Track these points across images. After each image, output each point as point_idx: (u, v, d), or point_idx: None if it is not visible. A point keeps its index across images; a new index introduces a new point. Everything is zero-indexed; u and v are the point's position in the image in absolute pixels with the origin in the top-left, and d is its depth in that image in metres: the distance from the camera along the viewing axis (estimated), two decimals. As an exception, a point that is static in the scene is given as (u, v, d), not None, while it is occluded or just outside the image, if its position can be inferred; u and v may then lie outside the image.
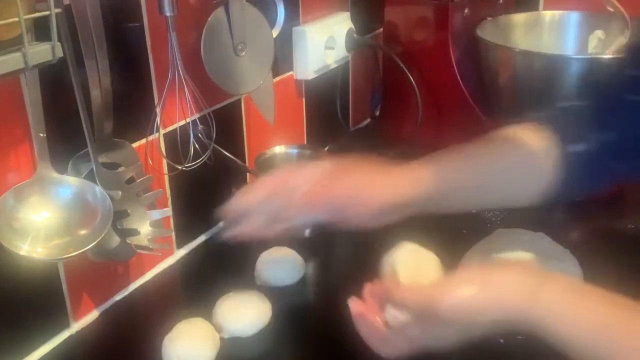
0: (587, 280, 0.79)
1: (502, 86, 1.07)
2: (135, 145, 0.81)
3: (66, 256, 0.66)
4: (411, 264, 0.76)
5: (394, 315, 0.59)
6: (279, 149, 1.02)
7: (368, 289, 0.62)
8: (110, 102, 0.71)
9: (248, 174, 1.06)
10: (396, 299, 0.58)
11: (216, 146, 0.91)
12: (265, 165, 0.99)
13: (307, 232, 0.82)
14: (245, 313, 0.76)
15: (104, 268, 0.82)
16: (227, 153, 0.94)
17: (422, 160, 0.68)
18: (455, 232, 0.94)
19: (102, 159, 0.73)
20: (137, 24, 0.80)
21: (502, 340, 0.73)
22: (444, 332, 0.57)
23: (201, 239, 0.98)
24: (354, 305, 0.61)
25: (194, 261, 0.94)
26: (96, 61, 0.68)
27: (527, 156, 0.66)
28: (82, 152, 0.72)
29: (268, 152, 1.01)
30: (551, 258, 0.80)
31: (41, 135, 0.66)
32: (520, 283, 0.54)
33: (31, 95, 0.64)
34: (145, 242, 0.77)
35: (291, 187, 0.66)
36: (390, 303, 0.59)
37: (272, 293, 0.81)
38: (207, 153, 0.87)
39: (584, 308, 0.52)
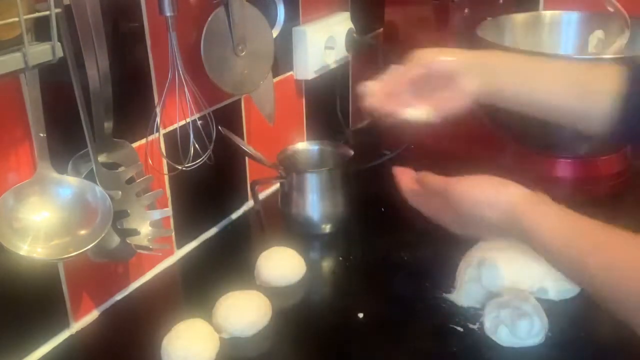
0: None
1: (502, 86, 1.07)
2: (135, 145, 0.81)
3: (66, 256, 0.66)
4: None
5: None
6: (301, 145, 1.03)
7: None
8: (110, 102, 0.71)
9: (247, 174, 1.06)
10: (421, 177, 0.70)
11: (236, 137, 0.92)
12: (287, 162, 0.99)
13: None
14: (245, 313, 0.76)
15: (104, 268, 0.82)
16: (245, 147, 0.95)
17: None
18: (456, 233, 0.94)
19: (102, 159, 0.73)
20: (137, 24, 0.80)
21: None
22: (452, 213, 0.66)
23: (201, 239, 0.98)
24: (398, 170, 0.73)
25: (194, 261, 0.94)
26: (96, 61, 0.68)
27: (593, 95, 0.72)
28: (82, 152, 0.72)
29: (290, 147, 1.02)
30: None
31: (41, 135, 0.66)
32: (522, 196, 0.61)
33: (31, 95, 0.64)
34: (145, 242, 0.77)
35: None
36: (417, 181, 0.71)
37: (272, 293, 0.81)
38: (207, 153, 0.87)
39: (570, 220, 0.59)
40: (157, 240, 0.79)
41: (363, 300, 0.82)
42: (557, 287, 0.79)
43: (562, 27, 1.20)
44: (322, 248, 0.97)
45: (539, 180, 1.06)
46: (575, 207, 0.60)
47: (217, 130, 0.89)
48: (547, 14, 1.22)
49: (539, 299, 0.76)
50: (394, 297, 0.83)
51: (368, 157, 1.18)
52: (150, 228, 0.78)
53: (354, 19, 1.23)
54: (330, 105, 1.29)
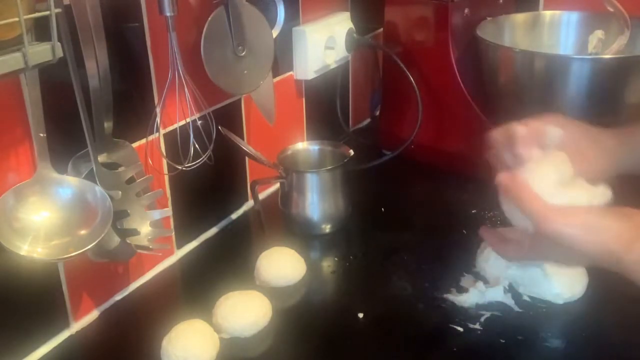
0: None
1: (502, 86, 1.07)
2: (135, 145, 0.81)
3: (66, 256, 0.66)
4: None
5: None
6: (301, 145, 1.04)
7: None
8: (110, 102, 0.71)
9: (247, 174, 1.06)
10: (516, 197, 0.67)
11: (236, 137, 0.92)
12: (287, 162, 0.99)
13: None
14: (245, 313, 0.76)
15: (104, 268, 0.82)
16: (245, 147, 0.95)
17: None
18: (456, 233, 0.94)
19: (102, 159, 0.73)
20: (137, 24, 0.80)
21: (502, 340, 0.74)
22: (547, 249, 0.68)
23: (201, 239, 0.98)
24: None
25: (194, 261, 0.94)
26: (96, 61, 0.68)
27: None
28: (82, 152, 0.72)
29: (290, 147, 1.02)
30: None
31: (41, 135, 0.66)
32: (621, 232, 0.62)
33: (31, 95, 0.64)
34: (145, 242, 0.77)
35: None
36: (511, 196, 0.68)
37: (272, 293, 0.81)
38: (207, 153, 0.87)
39: None
40: (157, 240, 0.79)
41: (363, 300, 0.82)
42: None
43: (562, 27, 1.20)
44: (322, 248, 0.97)
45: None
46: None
47: (217, 130, 0.89)
48: (547, 14, 1.22)
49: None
50: (394, 297, 0.83)
51: (368, 157, 1.18)
52: (150, 228, 0.78)
53: (354, 19, 1.23)
54: (330, 105, 1.29)
